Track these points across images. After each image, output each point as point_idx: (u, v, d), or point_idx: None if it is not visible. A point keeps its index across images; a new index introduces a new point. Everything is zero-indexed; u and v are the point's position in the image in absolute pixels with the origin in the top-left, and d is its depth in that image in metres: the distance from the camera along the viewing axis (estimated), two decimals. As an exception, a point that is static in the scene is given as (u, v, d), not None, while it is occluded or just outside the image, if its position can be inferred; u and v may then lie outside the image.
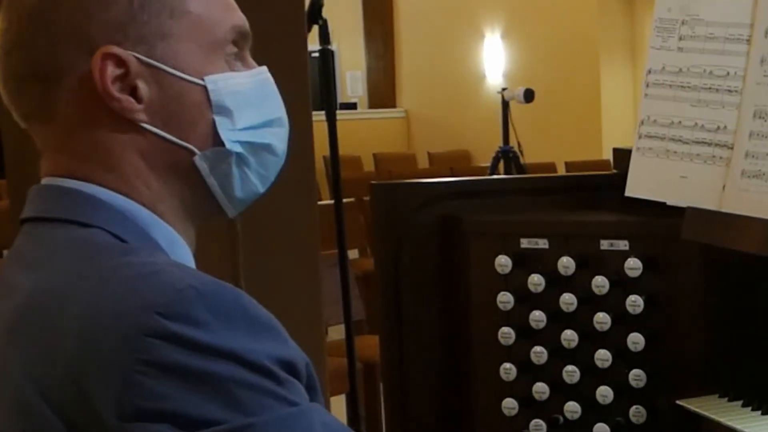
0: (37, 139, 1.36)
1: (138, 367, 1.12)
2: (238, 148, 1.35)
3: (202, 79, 1.32)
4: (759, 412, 1.86)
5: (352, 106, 16.43)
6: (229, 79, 1.34)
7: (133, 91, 1.30)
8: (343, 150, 4.83)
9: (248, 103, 1.36)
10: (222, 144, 1.33)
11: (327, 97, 4.21)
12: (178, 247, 1.34)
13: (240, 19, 1.38)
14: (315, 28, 4.12)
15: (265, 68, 1.41)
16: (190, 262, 1.37)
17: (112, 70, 1.28)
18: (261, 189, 1.40)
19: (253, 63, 1.40)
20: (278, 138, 1.40)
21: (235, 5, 1.39)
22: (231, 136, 1.34)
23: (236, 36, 1.37)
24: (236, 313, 1.17)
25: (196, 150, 1.33)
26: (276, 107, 1.41)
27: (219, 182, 1.36)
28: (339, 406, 4.67)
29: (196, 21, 1.32)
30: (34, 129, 1.36)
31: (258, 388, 1.15)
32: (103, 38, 1.28)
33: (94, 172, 1.31)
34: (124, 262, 1.21)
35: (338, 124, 4.21)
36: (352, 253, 7.69)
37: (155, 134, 1.31)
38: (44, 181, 1.35)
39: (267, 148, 1.38)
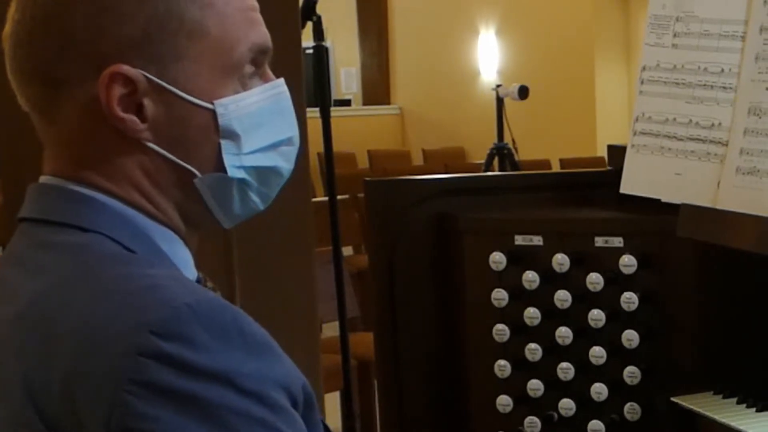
0: (38, 131, 1.34)
1: (128, 386, 1.11)
2: (241, 174, 1.33)
3: (212, 103, 1.29)
4: (753, 409, 1.86)
5: (346, 102, 16.42)
6: (240, 101, 1.31)
7: (139, 109, 1.27)
8: (338, 147, 4.82)
9: (259, 123, 1.33)
10: (224, 170, 1.32)
11: (321, 94, 4.20)
12: (179, 250, 1.33)
13: (261, 36, 1.34)
14: (309, 25, 4.11)
15: (281, 81, 1.38)
16: (190, 265, 1.36)
17: (118, 90, 1.25)
18: (261, 207, 1.39)
19: (271, 75, 1.37)
20: (286, 158, 1.38)
21: (260, 19, 1.35)
22: (235, 161, 1.32)
23: (255, 54, 1.33)
24: (232, 332, 1.16)
25: (197, 173, 1.31)
26: (288, 125, 1.38)
27: (218, 203, 1.34)
28: (333, 403, 4.67)
29: (213, 43, 1.29)
30: (35, 121, 1.34)
31: (248, 416, 1.14)
32: (114, 55, 1.25)
33: (94, 178, 1.30)
34: (122, 274, 1.20)
35: (332, 121, 4.20)
36: (347, 250, 7.68)
37: (158, 152, 1.29)
38: (44, 179, 1.33)
39: (273, 170, 1.37)
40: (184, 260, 1.34)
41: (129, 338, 1.12)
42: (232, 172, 1.32)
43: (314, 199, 4.64)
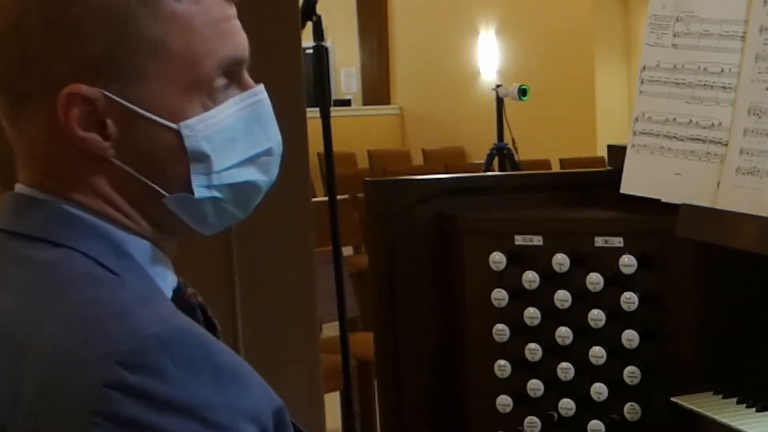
0: (9, 138, 1.32)
1: (93, 418, 1.10)
2: (211, 194, 1.29)
3: (178, 124, 1.25)
4: (753, 410, 1.86)
5: (347, 102, 16.42)
6: (209, 119, 1.27)
7: (102, 126, 1.24)
8: (338, 147, 4.82)
9: (233, 138, 1.29)
10: (192, 191, 1.28)
11: (321, 94, 4.20)
12: (155, 260, 1.31)
13: (232, 48, 1.29)
14: (309, 25, 4.11)
15: (260, 88, 1.34)
16: (168, 275, 1.33)
17: (77, 110, 1.23)
18: (242, 216, 1.36)
19: (250, 83, 1.33)
20: (264, 170, 1.34)
21: (232, 29, 1.30)
22: (204, 181, 1.28)
23: (228, 66, 1.29)
24: (201, 363, 1.14)
25: (164, 193, 1.28)
26: (266, 135, 1.33)
27: (191, 218, 1.31)
28: (333, 403, 4.67)
29: (176, 60, 1.25)
30: (5, 128, 1.31)
31: None
32: (72, 75, 1.22)
33: (66, 191, 1.27)
34: (91, 298, 1.18)
35: (332, 121, 4.20)
36: (347, 250, 7.68)
37: (124, 170, 1.26)
38: (19, 188, 1.31)
39: (248, 184, 1.32)
40: (161, 271, 1.32)
41: (95, 369, 1.11)
42: (200, 193, 1.28)
43: (314, 199, 4.64)
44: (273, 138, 1.35)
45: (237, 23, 1.32)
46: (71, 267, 1.23)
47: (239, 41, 1.31)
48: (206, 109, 1.28)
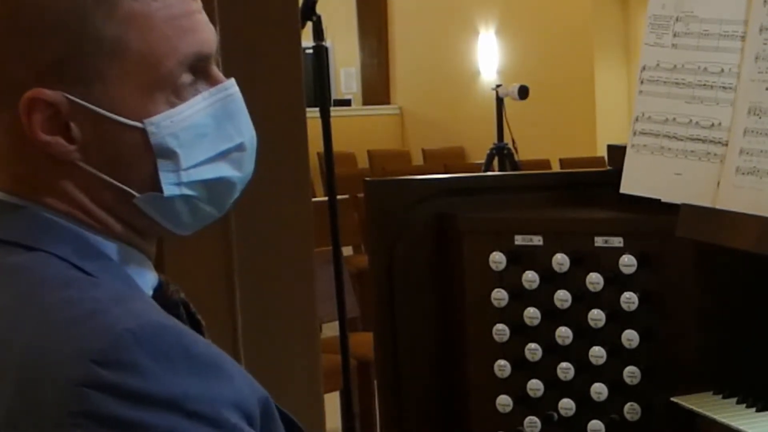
0: None
1: (72, 419, 1.09)
2: (181, 191, 1.28)
3: (142, 122, 1.24)
4: (753, 409, 1.86)
5: (346, 102, 16.43)
6: (175, 116, 1.26)
7: (66, 130, 1.24)
8: (337, 147, 4.82)
9: (201, 134, 1.28)
10: (161, 190, 1.27)
11: (321, 94, 4.20)
12: (131, 260, 1.31)
13: (195, 44, 1.28)
14: (309, 25, 4.12)
15: (230, 83, 1.32)
16: (147, 273, 1.33)
17: (40, 115, 1.22)
18: (218, 214, 1.35)
19: (219, 77, 1.31)
20: (236, 166, 1.32)
21: (197, 24, 1.29)
22: (173, 179, 1.27)
23: (192, 63, 1.28)
24: (177, 355, 1.14)
25: (134, 193, 1.27)
26: (237, 130, 1.32)
27: (165, 218, 1.31)
28: (333, 402, 4.67)
29: (136, 60, 1.24)
30: None
31: None
32: (32, 79, 1.22)
33: (36, 194, 1.27)
34: (63, 299, 1.17)
35: (332, 121, 4.21)
36: (347, 250, 7.68)
37: (92, 172, 1.26)
38: None
39: (220, 181, 1.31)
40: (139, 271, 1.31)
41: (70, 369, 1.10)
42: (170, 191, 1.28)
43: (314, 199, 4.64)
44: (245, 133, 1.34)
45: (201, 18, 1.30)
46: (45, 270, 1.22)
47: (204, 37, 1.30)
48: (172, 106, 1.27)
